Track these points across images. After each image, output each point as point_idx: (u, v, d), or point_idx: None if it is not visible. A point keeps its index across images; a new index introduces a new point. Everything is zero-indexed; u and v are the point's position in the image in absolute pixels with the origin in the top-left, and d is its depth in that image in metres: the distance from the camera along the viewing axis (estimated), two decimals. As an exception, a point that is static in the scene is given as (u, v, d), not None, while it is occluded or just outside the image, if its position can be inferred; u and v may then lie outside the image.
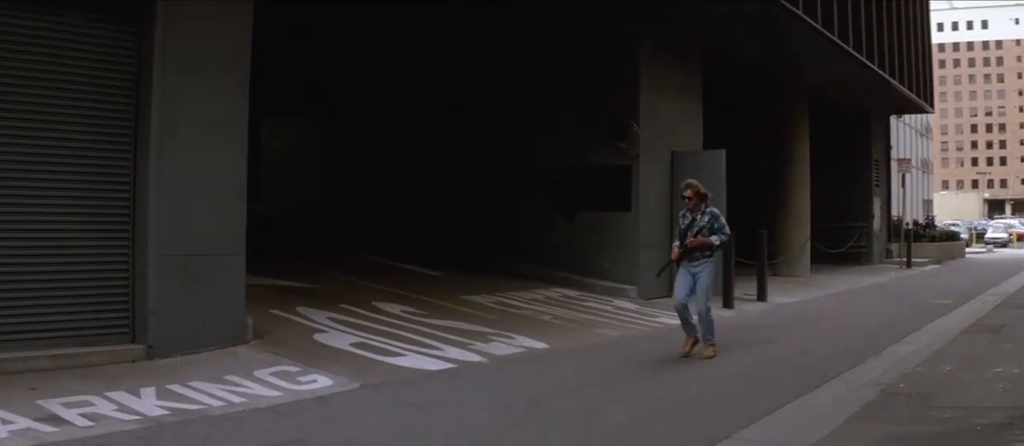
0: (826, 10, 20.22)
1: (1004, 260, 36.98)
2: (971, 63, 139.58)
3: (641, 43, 16.96)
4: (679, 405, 8.06)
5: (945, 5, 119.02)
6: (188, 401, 7.50)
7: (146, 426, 6.72)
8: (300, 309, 11.87)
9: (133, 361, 8.71)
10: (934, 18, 41.63)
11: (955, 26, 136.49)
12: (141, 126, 9.09)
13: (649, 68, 16.99)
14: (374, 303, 12.98)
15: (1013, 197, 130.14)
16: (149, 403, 7.32)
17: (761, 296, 17.05)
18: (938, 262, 32.14)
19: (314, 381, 8.50)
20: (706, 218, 10.27)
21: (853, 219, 29.10)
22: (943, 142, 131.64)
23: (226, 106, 9.70)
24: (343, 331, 10.93)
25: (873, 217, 30.40)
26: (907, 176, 34.05)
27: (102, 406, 7.11)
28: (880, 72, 25.33)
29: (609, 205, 16.96)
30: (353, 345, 10.26)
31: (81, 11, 8.77)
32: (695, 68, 18.59)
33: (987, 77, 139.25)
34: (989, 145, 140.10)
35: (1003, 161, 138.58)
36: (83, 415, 6.81)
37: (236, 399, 7.69)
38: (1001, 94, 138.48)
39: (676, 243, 10.50)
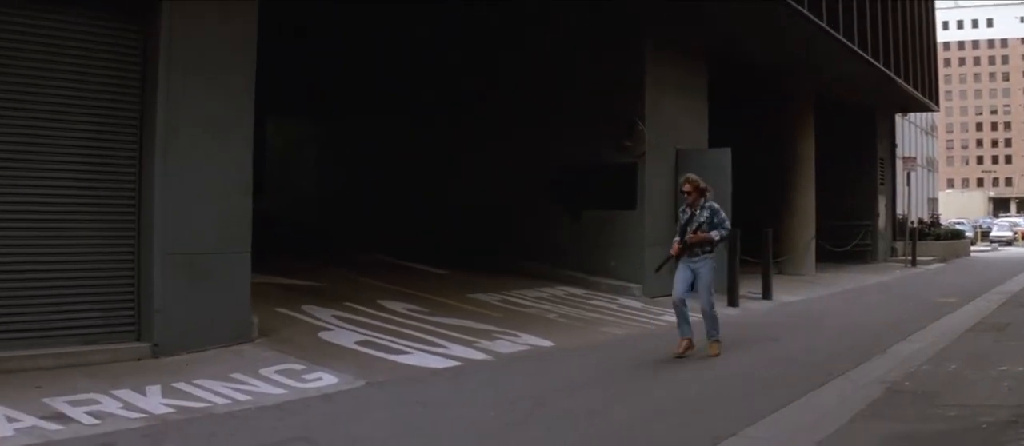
0: (831, 9, 20.20)
1: (1009, 258, 36.92)
2: (976, 61, 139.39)
3: (646, 40, 16.94)
4: (684, 403, 8.06)
5: (950, 3, 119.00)
6: (194, 399, 7.51)
7: (152, 424, 6.73)
8: (305, 307, 11.88)
9: (138, 359, 8.73)
10: (939, 16, 41.63)
11: (961, 24, 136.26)
12: (147, 124, 9.10)
13: (654, 65, 16.98)
14: (379, 301, 12.98)
15: (1018, 195, 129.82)
16: (155, 401, 7.33)
17: (766, 294, 17.05)
18: (943, 260, 32.09)
19: (319, 379, 8.51)
20: (705, 213, 10.15)
21: (858, 217, 29.09)
22: (948, 140, 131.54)
23: (231, 105, 9.72)
24: (348, 329, 10.94)
25: (878, 215, 30.39)
26: (912, 174, 33.95)
27: (108, 404, 7.12)
28: (886, 70, 25.31)
29: (614, 203, 16.94)
30: (358, 343, 10.26)
31: (86, 9, 8.78)
32: (700, 66, 18.57)
33: (992, 75, 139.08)
34: (994, 143, 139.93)
35: (1008, 159, 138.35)
36: (89, 413, 6.83)
37: (242, 397, 7.69)
38: (1006, 93, 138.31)
39: (676, 238, 10.37)
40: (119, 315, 8.97)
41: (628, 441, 6.72)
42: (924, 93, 31.34)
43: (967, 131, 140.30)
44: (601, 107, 17.05)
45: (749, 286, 16.96)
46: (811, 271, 23.46)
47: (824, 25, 19.69)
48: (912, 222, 34.92)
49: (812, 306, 16.68)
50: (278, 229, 17.17)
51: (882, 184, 31.07)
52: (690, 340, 10.15)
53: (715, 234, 10.13)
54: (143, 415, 6.92)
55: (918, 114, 48.74)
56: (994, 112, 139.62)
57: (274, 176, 22.66)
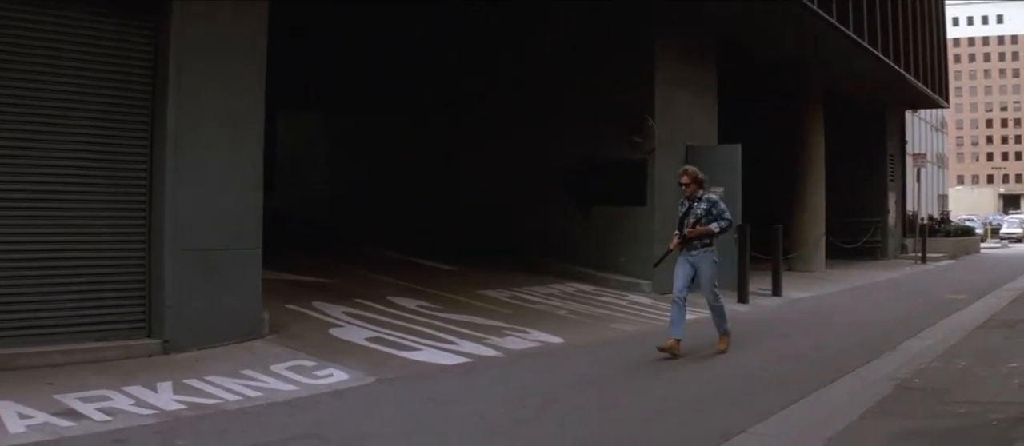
0: (842, 5, 20.16)
1: (1019, 255, 36.84)
2: (986, 58, 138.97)
3: (656, 37, 16.93)
4: (693, 399, 8.05)
5: (960, 0, 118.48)
6: (205, 395, 7.53)
7: (163, 420, 6.75)
8: (316, 303, 11.90)
9: (149, 356, 8.75)
10: (949, 13, 41.50)
11: (970, 21, 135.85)
12: (158, 121, 9.11)
13: (664, 61, 16.96)
14: (389, 297, 13.00)
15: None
16: (166, 397, 7.35)
17: (776, 291, 17.02)
18: (953, 257, 32.03)
19: (330, 375, 8.53)
20: (703, 205, 9.94)
21: (868, 214, 29.04)
22: (958, 137, 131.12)
23: (242, 101, 9.71)
24: (359, 325, 10.96)
25: (888, 212, 30.32)
26: (922, 171, 33.91)
27: (119, 400, 7.14)
28: (896, 67, 25.25)
29: (624, 200, 16.93)
30: (369, 339, 10.27)
31: (98, 7, 8.80)
32: (710, 62, 18.54)
33: (1003, 72, 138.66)
34: (1004, 140, 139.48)
35: (1018, 156, 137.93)
36: (100, 409, 6.85)
37: (252, 393, 7.71)
38: (1016, 89, 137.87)
39: (676, 232, 10.20)
40: (130, 311, 8.99)
41: (637, 437, 6.71)
42: (934, 89, 31.26)
43: (977, 127, 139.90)
44: (612, 103, 17.00)
45: (759, 282, 16.94)
46: (821, 268, 23.43)
47: (834, 21, 19.65)
48: (922, 219, 34.84)
49: (822, 303, 16.65)
50: (289, 226, 17.21)
51: (892, 180, 31.00)
52: (678, 340, 9.81)
53: (714, 226, 9.90)
54: (154, 411, 6.94)
55: (928, 111, 48.60)
56: (1004, 108, 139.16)
57: (285, 173, 22.71)
